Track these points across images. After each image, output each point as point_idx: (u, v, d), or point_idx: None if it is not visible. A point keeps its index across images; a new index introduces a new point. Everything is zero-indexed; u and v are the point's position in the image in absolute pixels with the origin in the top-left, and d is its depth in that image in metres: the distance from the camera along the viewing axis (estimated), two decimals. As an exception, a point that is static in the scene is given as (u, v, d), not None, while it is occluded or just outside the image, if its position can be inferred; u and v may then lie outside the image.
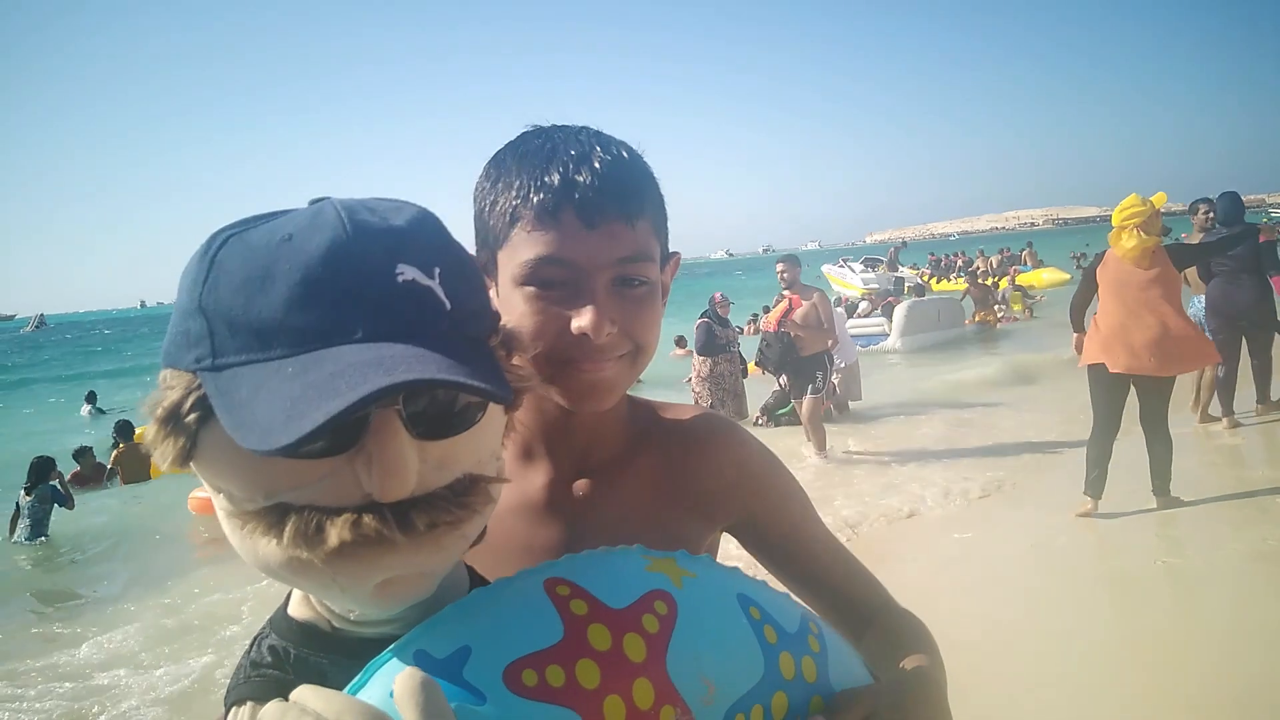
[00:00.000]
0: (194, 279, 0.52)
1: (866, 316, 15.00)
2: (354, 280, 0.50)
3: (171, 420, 0.51)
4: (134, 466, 8.67)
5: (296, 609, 0.62)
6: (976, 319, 14.03)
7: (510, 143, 0.80)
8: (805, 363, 6.84)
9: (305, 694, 0.47)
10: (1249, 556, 4.10)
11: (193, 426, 0.51)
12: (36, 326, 79.16)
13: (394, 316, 0.50)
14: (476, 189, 0.81)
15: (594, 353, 0.75)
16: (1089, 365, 4.80)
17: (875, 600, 0.91)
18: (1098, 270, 4.84)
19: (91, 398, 16.17)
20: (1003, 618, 3.67)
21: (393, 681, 0.48)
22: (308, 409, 0.44)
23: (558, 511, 0.84)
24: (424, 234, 0.55)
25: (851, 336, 10.09)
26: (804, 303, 6.84)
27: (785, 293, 7.00)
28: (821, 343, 6.84)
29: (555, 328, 0.74)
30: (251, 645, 0.65)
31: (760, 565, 0.92)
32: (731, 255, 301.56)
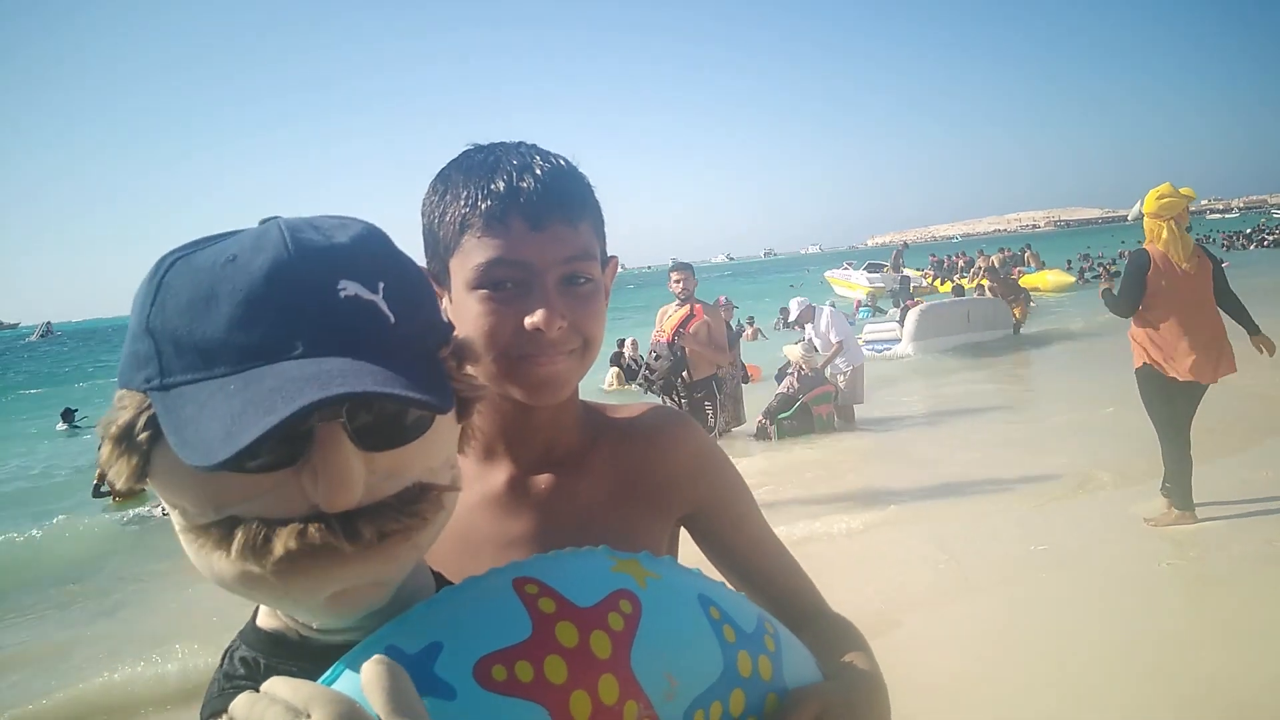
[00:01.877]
0: (143, 301, 0.53)
1: (882, 320, 14.91)
2: (295, 297, 0.51)
3: (125, 439, 0.52)
4: None
5: (264, 620, 0.63)
6: (1015, 314, 14.04)
7: (453, 160, 0.85)
8: (692, 388, 6.03)
9: (275, 684, 0.48)
10: (1255, 559, 4.09)
11: (145, 445, 0.52)
12: (43, 335, 79.33)
13: (335, 331, 0.51)
14: (424, 204, 0.86)
15: (547, 347, 0.80)
16: (1142, 369, 4.65)
17: (812, 602, 0.95)
18: (1149, 274, 4.55)
19: (68, 415, 14.89)
20: (1006, 619, 3.66)
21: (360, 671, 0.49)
22: (245, 424, 0.45)
23: (521, 505, 0.88)
24: (368, 250, 0.55)
25: (866, 342, 10.07)
26: (704, 315, 6.02)
27: (679, 300, 6.10)
28: (711, 366, 6.07)
29: (510, 326, 0.79)
30: (223, 658, 0.65)
31: (709, 562, 0.95)
32: (732, 259, 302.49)
